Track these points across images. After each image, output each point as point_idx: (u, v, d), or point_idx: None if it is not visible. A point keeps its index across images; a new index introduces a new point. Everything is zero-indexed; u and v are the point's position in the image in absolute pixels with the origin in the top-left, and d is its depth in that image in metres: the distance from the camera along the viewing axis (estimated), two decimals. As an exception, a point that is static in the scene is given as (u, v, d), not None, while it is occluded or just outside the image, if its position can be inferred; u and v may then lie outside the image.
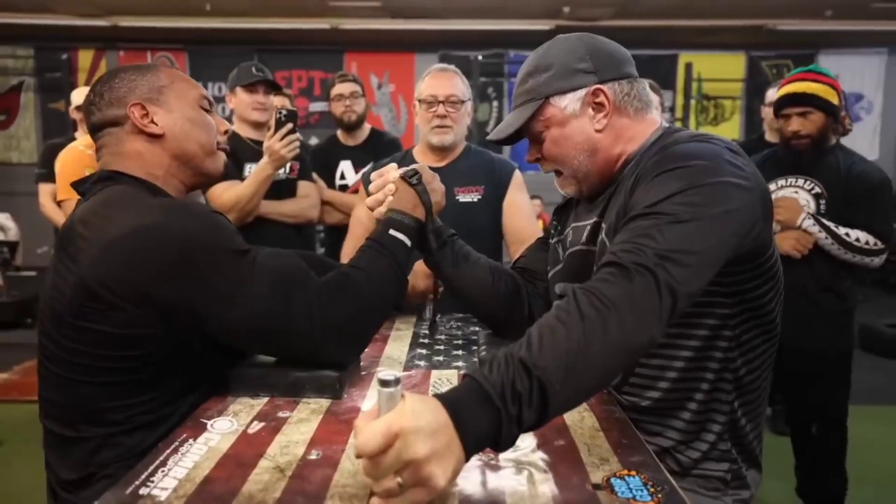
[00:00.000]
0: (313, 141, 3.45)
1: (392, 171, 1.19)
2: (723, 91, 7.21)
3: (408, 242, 1.10)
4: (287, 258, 1.00)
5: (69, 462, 0.97)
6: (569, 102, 1.01)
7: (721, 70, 7.17)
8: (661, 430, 1.00)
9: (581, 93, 1.01)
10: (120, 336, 0.91)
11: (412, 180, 1.16)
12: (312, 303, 0.96)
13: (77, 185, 1.06)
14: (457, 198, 1.88)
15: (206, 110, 1.13)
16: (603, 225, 1.01)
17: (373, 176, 1.23)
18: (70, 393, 0.96)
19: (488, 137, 1.15)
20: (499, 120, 7.25)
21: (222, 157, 1.15)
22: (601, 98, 1.00)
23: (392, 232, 1.09)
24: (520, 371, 0.68)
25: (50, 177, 3.34)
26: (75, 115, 3.50)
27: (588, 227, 1.08)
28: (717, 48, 7.06)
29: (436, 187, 1.19)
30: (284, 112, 2.07)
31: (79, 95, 3.48)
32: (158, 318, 0.92)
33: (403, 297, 1.59)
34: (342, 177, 2.75)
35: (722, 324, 0.95)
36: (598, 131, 1.02)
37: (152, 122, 1.05)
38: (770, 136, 3.14)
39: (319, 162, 2.68)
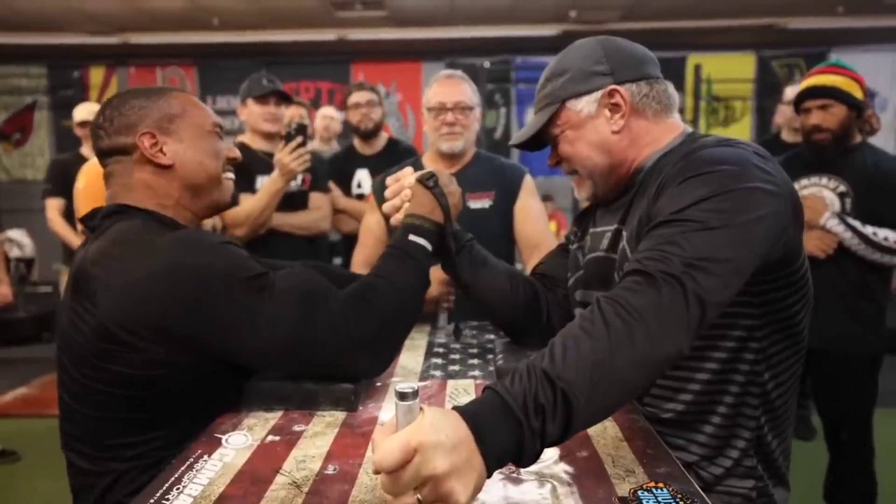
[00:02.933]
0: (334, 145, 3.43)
1: (408, 176, 1.17)
2: (733, 92, 7.15)
3: (429, 247, 1.08)
4: (305, 275, 0.99)
5: (86, 495, 0.98)
6: (585, 105, 1.00)
7: (730, 71, 7.11)
8: (683, 443, 0.96)
9: (597, 94, 0.99)
10: (141, 376, 0.91)
11: (429, 183, 1.13)
12: (337, 318, 0.95)
13: (86, 221, 1.05)
14: (467, 204, 1.86)
15: (219, 137, 1.11)
16: (624, 232, 0.99)
17: (388, 181, 1.20)
18: (85, 427, 0.97)
19: (509, 143, 1.13)
20: (507, 126, 7.24)
21: (229, 185, 1.13)
22: (617, 98, 0.98)
23: (412, 237, 1.07)
24: (543, 383, 0.66)
25: (56, 192, 3.36)
26: (79, 132, 3.51)
27: (608, 234, 1.05)
28: (726, 48, 7.01)
29: (453, 190, 1.17)
30: (294, 126, 2.08)
31: (81, 112, 3.47)
32: (183, 354, 0.91)
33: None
34: (359, 185, 2.74)
35: (749, 335, 0.91)
36: (614, 133, 1.00)
37: (161, 151, 1.03)
38: (786, 136, 3.10)
39: (336, 170, 2.69)
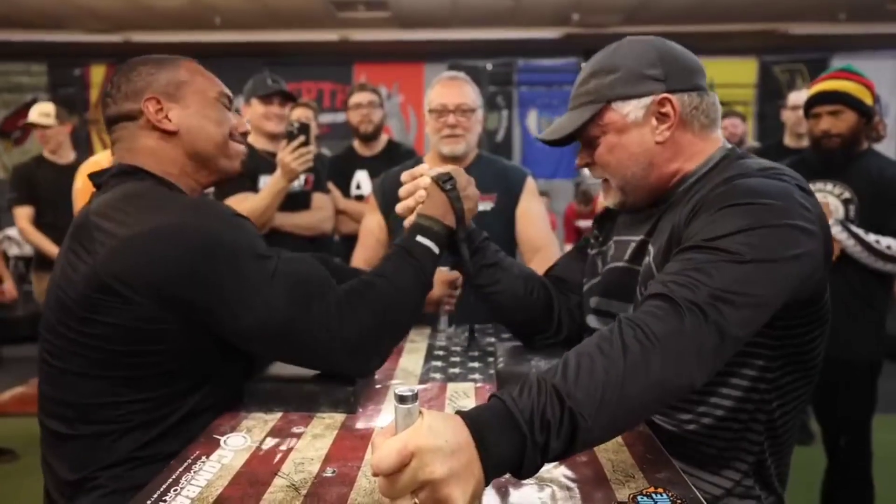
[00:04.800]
0: (325, 151, 3.42)
1: (425, 176, 1.13)
2: (734, 97, 7.15)
3: (436, 250, 1.05)
4: (309, 265, 0.98)
5: (64, 462, 0.95)
6: (632, 109, 0.95)
7: (732, 76, 7.12)
8: (683, 463, 0.94)
9: (646, 100, 0.94)
10: (128, 330, 0.89)
11: (446, 186, 1.09)
12: (332, 312, 0.94)
13: (94, 177, 1.03)
14: (470, 206, 1.86)
15: (227, 106, 1.09)
16: (651, 247, 0.96)
17: (404, 177, 1.16)
18: (67, 387, 0.94)
19: (538, 137, 1.07)
20: (508, 129, 7.23)
21: (239, 153, 1.10)
22: (667, 108, 0.94)
23: (420, 238, 1.05)
24: (552, 398, 0.65)
25: (23, 200, 3.26)
26: (36, 133, 3.44)
27: (633, 245, 1.02)
28: (728, 53, 7.01)
29: (470, 194, 1.12)
30: (297, 125, 2.07)
31: (32, 113, 3.38)
32: (174, 315, 0.90)
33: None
34: (358, 187, 2.74)
35: (766, 366, 0.89)
36: (658, 143, 0.95)
37: (166, 118, 1.01)
38: (789, 141, 3.10)
39: (336, 171, 2.69)
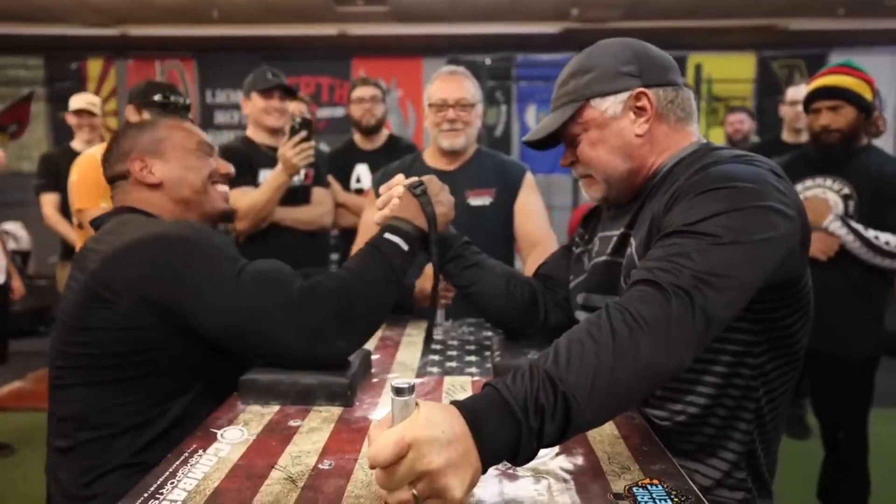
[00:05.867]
0: (323, 146, 3.40)
1: (397, 186, 1.18)
2: (733, 92, 7.14)
3: (403, 246, 1.09)
4: (273, 262, 1.04)
5: (68, 473, 1.01)
6: (610, 105, 0.98)
7: (731, 71, 7.11)
8: (673, 455, 0.96)
9: (623, 96, 0.97)
10: (117, 331, 0.97)
11: (416, 191, 1.15)
12: (295, 302, 0.98)
13: (96, 221, 1.15)
14: (468, 201, 1.86)
15: (207, 153, 1.20)
16: (632, 239, 0.98)
17: (381, 189, 1.21)
18: (70, 402, 1.01)
19: (523, 139, 1.11)
20: (507, 124, 7.22)
21: (221, 194, 1.21)
22: (643, 102, 0.97)
23: (387, 235, 1.09)
24: (545, 384, 0.66)
25: (50, 187, 3.30)
26: (72, 120, 3.45)
27: (615, 238, 1.04)
28: (726, 49, 7.01)
29: (443, 199, 1.17)
30: (299, 120, 2.07)
31: (77, 100, 3.41)
32: (155, 315, 0.96)
33: (410, 300, 1.57)
34: (358, 180, 2.74)
35: (746, 350, 0.91)
36: (637, 136, 0.98)
37: (150, 172, 1.14)
38: (787, 137, 3.10)
39: (336, 165, 2.68)
